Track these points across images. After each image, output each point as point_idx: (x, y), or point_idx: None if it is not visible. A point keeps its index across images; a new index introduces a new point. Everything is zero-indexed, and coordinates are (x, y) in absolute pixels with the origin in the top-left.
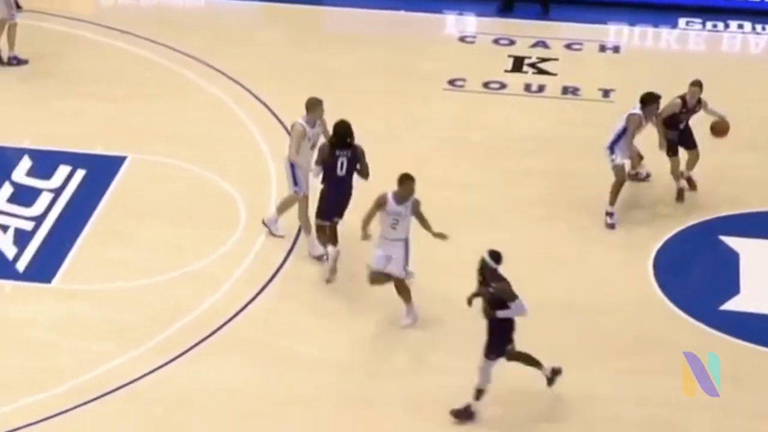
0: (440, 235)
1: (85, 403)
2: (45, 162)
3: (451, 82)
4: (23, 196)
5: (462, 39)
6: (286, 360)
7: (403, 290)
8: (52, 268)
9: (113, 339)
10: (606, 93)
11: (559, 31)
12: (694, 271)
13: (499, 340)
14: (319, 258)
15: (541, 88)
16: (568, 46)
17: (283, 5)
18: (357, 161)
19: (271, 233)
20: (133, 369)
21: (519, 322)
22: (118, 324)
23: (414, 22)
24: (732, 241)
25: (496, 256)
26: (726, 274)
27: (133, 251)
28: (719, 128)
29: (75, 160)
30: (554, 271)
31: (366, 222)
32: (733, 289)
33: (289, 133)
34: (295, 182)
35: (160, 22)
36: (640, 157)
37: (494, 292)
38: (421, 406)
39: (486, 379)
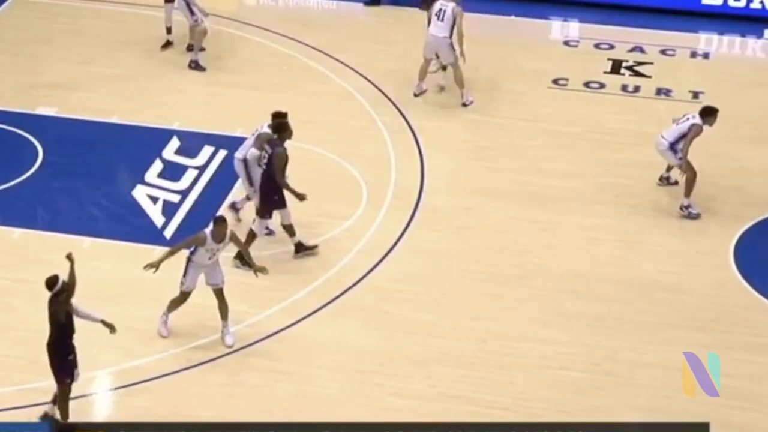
0: (261, 270)
1: (225, 355)
2: (191, 142)
3: (555, 81)
4: (172, 172)
5: (566, 43)
6: (398, 324)
7: (224, 306)
8: None
9: (249, 300)
10: (696, 95)
11: (654, 38)
12: None
13: None
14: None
15: (636, 89)
16: (663, 52)
17: (406, 8)
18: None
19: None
20: (266, 327)
21: (615, 298)
22: (254, 287)
23: (522, 26)
24: None
25: None
26: None
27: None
28: None
29: (217, 141)
30: (642, 254)
31: (168, 255)
32: None
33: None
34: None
35: (297, 20)
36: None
37: None
38: (526, 366)
39: None
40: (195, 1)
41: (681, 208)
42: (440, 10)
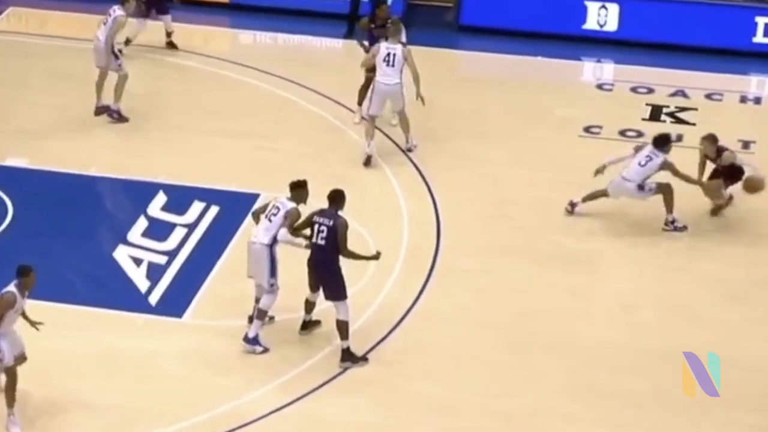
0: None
1: None
2: (180, 197)
3: (587, 129)
4: (157, 230)
5: (599, 86)
6: (412, 401)
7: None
8: (184, 302)
9: (241, 375)
10: (746, 144)
11: (699, 80)
12: None
13: None
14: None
15: (679, 138)
16: (709, 96)
17: (420, 47)
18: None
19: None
20: (259, 406)
21: (656, 373)
22: (247, 360)
23: (551, 67)
24: None
25: None
26: None
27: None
28: (751, 185)
29: (209, 196)
30: (687, 322)
31: None
32: None
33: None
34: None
35: (297, 61)
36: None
37: None
38: None
39: None
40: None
41: (666, 224)
42: (388, 54)
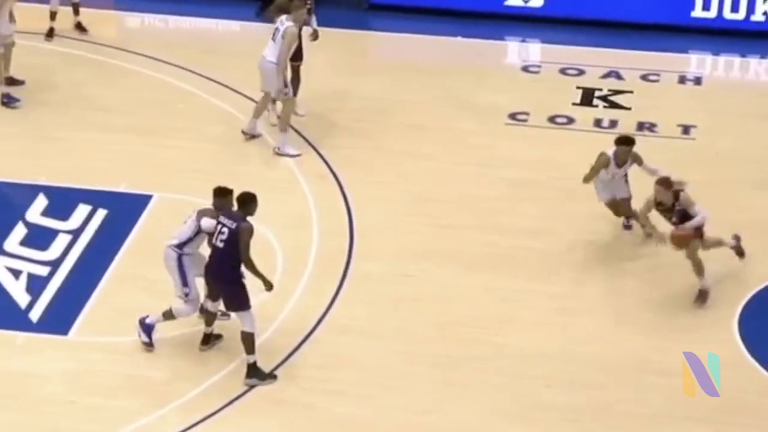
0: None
1: None
2: (62, 200)
3: (513, 116)
4: (38, 238)
5: (525, 69)
6: (329, 422)
7: None
8: (69, 318)
9: (135, 397)
10: (686, 129)
11: (633, 60)
12: None
13: None
14: None
15: (613, 124)
16: (644, 77)
17: (328, 29)
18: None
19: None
20: (157, 431)
21: (596, 384)
22: (141, 381)
23: (472, 49)
24: None
25: None
26: None
27: (158, 300)
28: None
29: (96, 198)
30: (626, 328)
31: None
32: None
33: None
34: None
35: (193, 47)
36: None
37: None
38: None
39: None
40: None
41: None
42: (276, 28)
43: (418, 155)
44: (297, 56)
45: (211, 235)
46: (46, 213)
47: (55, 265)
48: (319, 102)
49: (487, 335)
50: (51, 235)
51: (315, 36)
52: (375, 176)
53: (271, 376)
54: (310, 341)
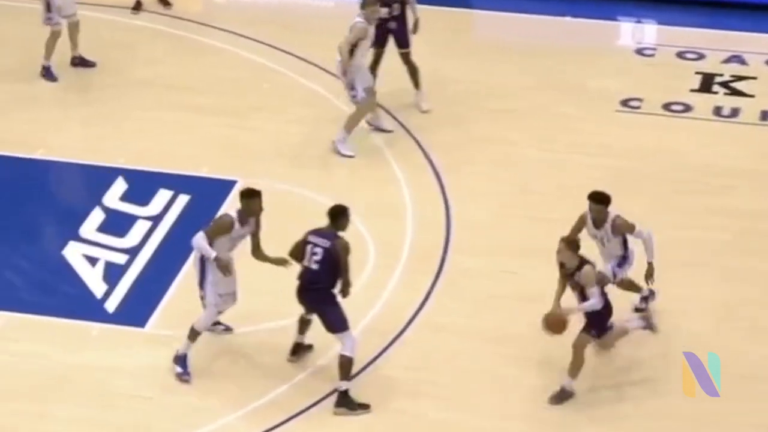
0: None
1: None
2: (142, 185)
3: (625, 103)
4: (116, 224)
5: (640, 52)
6: (419, 426)
7: None
8: (147, 310)
9: (214, 395)
10: None
11: (758, 44)
12: None
13: None
14: None
15: (734, 112)
16: None
17: (428, 7)
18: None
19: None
20: (236, 430)
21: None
22: (221, 378)
23: (582, 30)
24: None
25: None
26: None
27: (240, 291)
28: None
29: (177, 183)
30: (751, 337)
31: None
32: None
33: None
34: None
35: (282, 24)
36: None
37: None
38: None
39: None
40: None
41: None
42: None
43: (519, 144)
44: (403, 43)
45: (302, 255)
46: (124, 198)
47: (133, 253)
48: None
49: None
50: (129, 221)
51: (415, 26)
52: (472, 166)
53: (363, 407)
54: (400, 342)
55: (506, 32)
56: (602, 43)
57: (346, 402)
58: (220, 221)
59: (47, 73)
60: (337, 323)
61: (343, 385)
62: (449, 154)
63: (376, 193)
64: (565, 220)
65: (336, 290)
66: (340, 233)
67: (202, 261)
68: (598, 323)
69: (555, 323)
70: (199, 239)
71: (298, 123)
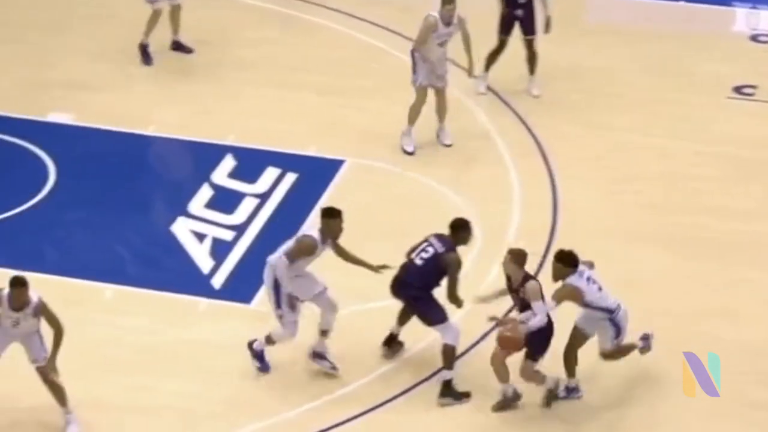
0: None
1: None
2: (251, 162)
3: (738, 90)
4: (224, 200)
5: (754, 38)
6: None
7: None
8: (253, 287)
9: (313, 377)
10: None
11: None
12: None
13: None
14: None
15: None
16: None
17: None
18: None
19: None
20: (342, 409)
21: None
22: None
23: (696, 15)
24: None
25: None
26: None
27: (345, 273)
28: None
29: (285, 161)
30: None
31: None
32: None
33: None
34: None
35: (390, 4)
36: None
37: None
38: None
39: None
40: None
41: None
42: None
43: (628, 129)
44: (529, 30)
45: (414, 249)
46: (233, 175)
47: (240, 230)
48: (525, 70)
49: (698, 327)
50: (237, 198)
51: (547, 25)
52: (581, 150)
53: (466, 395)
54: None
55: (618, 17)
56: (716, 29)
57: (450, 391)
58: (303, 243)
59: (143, 52)
60: (434, 316)
61: (447, 374)
62: (558, 138)
63: (483, 176)
64: (672, 206)
65: (432, 291)
66: (459, 247)
67: (276, 282)
68: (537, 341)
69: (509, 342)
70: (281, 266)
71: (406, 105)
